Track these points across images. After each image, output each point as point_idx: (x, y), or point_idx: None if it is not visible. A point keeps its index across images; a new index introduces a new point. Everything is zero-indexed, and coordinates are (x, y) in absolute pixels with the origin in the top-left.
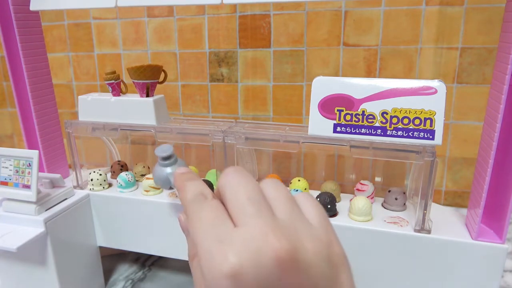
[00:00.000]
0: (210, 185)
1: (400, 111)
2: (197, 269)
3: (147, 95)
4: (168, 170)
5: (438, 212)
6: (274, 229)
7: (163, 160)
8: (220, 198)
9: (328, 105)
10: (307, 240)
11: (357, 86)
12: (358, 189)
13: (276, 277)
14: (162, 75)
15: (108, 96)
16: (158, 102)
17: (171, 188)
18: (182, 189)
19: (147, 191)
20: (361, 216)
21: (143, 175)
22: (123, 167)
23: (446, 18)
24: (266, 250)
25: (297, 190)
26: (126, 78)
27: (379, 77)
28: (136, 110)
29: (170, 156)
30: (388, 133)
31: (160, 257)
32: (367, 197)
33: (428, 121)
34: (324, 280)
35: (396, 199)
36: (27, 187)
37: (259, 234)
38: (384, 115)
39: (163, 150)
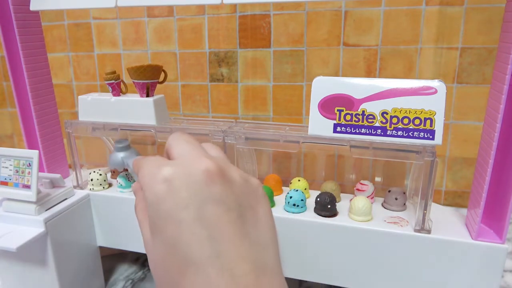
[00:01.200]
0: None
1: (400, 111)
2: (141, 212)
3: (147, 95)
4: (122, 154)
5: (438, 212)
6: (206, 156)
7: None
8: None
9: (328, 105)
10: (234, 169)
11: (357, 86)
12: (358, 189)
13: (203, 182)
14: (162, 75)
15: (108, 96)
16: (158, 102)
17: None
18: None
19: None
20: (361, 216)
21: None
22: None
23: (446, 18)
24: (197, 165)
25: (297, 190)
26: (126, 78)
27: (379, 77)
28: (136, 110)
29: (126, 146)
30: (388, 133)
31: None
32: (367, 197)
33: (428, 121)
34: (246, 200)
35: (396, 199)
36: (27, 187)
37: (193, 157)
38: (384, 115)
39: (121, 141)
